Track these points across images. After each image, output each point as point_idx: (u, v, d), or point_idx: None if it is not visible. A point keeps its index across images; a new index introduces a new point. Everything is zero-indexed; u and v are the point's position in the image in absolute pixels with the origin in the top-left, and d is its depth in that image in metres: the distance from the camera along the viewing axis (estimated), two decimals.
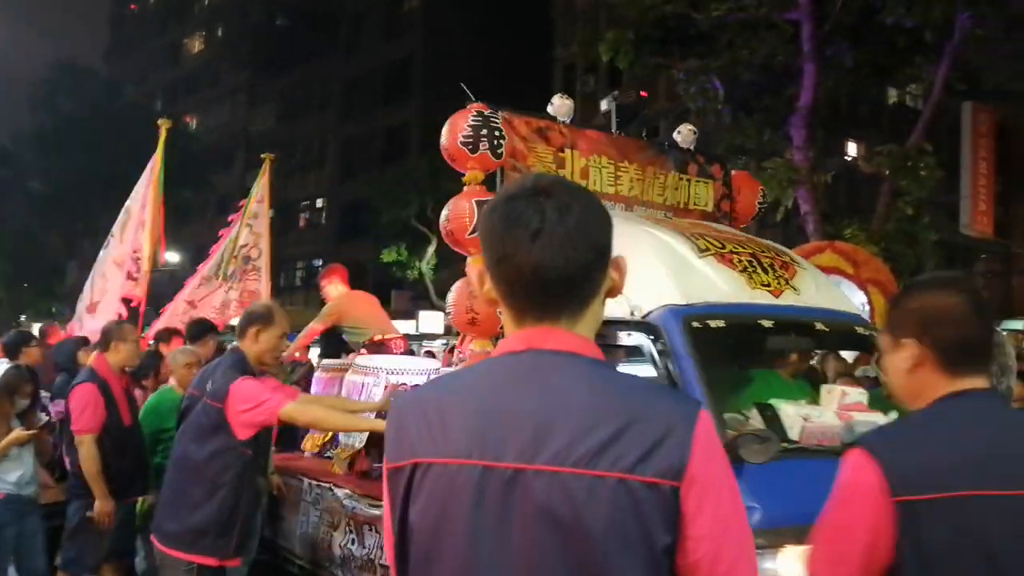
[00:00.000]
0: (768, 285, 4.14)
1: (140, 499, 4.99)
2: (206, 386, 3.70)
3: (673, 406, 1.30)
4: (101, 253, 8.18)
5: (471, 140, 4.45)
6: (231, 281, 8.56)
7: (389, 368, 5.16)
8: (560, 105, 4.99)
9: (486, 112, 4.53)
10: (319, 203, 41.19)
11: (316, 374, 6.26)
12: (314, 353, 8.78)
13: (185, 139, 34.68)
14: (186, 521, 3.62)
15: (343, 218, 38.71)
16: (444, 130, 4.58)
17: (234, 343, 4.11)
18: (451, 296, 4.54)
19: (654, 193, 5.25)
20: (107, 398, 4.78)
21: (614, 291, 1.39)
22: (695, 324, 3.71)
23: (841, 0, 11.56)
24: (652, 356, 3.68)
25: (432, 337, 18.98)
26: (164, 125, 8.21)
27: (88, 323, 7.60)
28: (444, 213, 4.56)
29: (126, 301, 7.82)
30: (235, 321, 7.49)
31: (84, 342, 6.74)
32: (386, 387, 4.96)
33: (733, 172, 5.83)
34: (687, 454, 1.23)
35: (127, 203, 8.09)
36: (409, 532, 1.32)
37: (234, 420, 3.60)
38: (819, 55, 11.97)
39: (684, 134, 5.53)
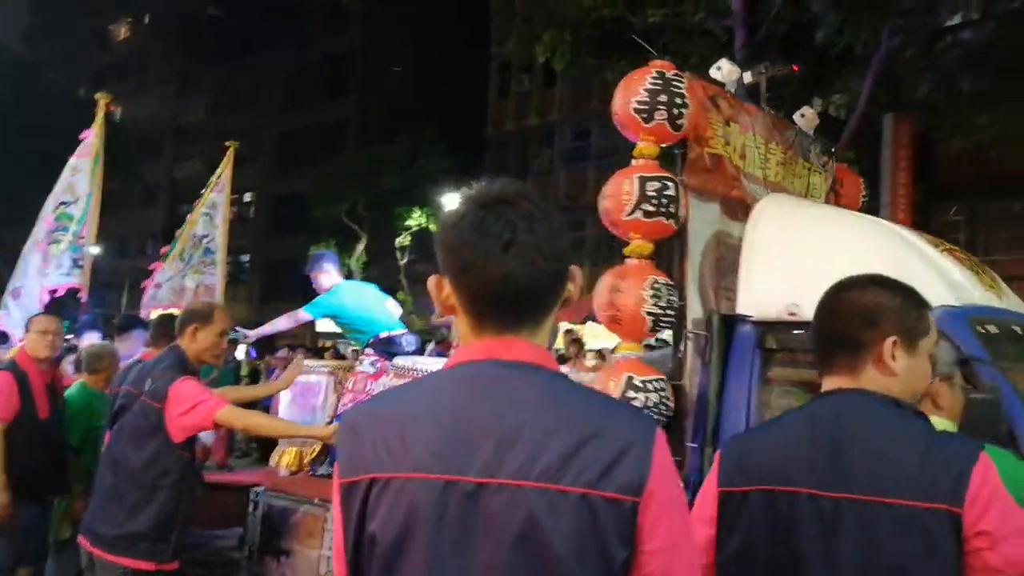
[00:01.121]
0: (992, 287, 3.75)
1: (57, 499, 4.82)
2: (144, 384, 3.55)
3: (632, 421, 1.31)
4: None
5: (646, 107, 3.73)
6: (189, 268, 8.39)
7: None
8: (729, 71, 4.34)
9: (668, 73, 3.79)
10: (247, 197, 40.46)
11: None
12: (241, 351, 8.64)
13: (112, 127, 33.60)
14: (122, 525, 3.47)
15: (274, 213, 38.12)
16: (617, 91, 3.88)
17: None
18: (597, 288, 3.82)
19: (789, 180, 4.78)
20: (23, 388, 4.62)
21: (569, 302, 1.39)
22: (980, 328, 3.23)
23: (773, 11, 11.81)
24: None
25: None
26: (103, 100, 7.85)
27: (13, 310, 7.34)
28: (604, 190, 3.85)
29: (73, 292, 7.56)
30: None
31: (3, 338, 6.54)
32: None
33: (835, 164, 5.41)
34: (647, 470, 1.24)
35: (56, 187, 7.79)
36: (365, 548, 1.30)
37: (171, 422, 3.48)
38: (751, 63, 12.20)
39: (808, 117, 5.01)
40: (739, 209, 4.25)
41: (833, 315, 1.79)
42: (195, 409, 3.49)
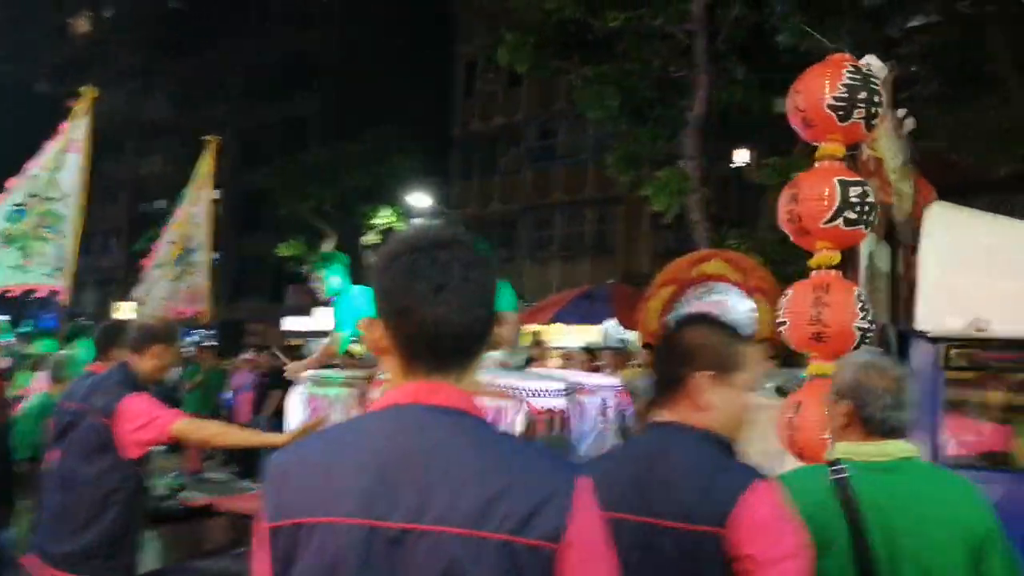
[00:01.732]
0: None
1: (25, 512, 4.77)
2: (92, 401, 3.52)
3: (554, 469, 1.33)
4: None
5: (844, 104, 3.38)
6: (174, 269, 8.24)
7: (530, 389, 3.80)
8: (879, 69, 3.91)
9: (864, 69, 3.45)
10: (216, 194, 39.98)
11: (303, 390, 4.91)
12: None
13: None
14: (73, 542, 3.44)
15: (241, 210, 37.73)
16: (797, 88, 3.54)
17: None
18: (786, 302, 3.50)
19: (899, 186, 4.53)
20: None
21: (499, 344, 1.41)
22: None
23: (733, 16, 11.86)
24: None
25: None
26: (89, 95, 7.53)
27: None
28: (788, 194, 3.51)
29: (53, 294, 7.38)
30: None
31: None
32: (536, 412, 3.80)
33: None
34: (567, 518, 1.26)
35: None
36: None
37: (125, 438, 3.45)
38: (711, 67, 12.26)
39: (908, 122, 4.80)
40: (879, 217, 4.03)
41: (660, 354, 1.93)
42: (151, 424, 3.46)
